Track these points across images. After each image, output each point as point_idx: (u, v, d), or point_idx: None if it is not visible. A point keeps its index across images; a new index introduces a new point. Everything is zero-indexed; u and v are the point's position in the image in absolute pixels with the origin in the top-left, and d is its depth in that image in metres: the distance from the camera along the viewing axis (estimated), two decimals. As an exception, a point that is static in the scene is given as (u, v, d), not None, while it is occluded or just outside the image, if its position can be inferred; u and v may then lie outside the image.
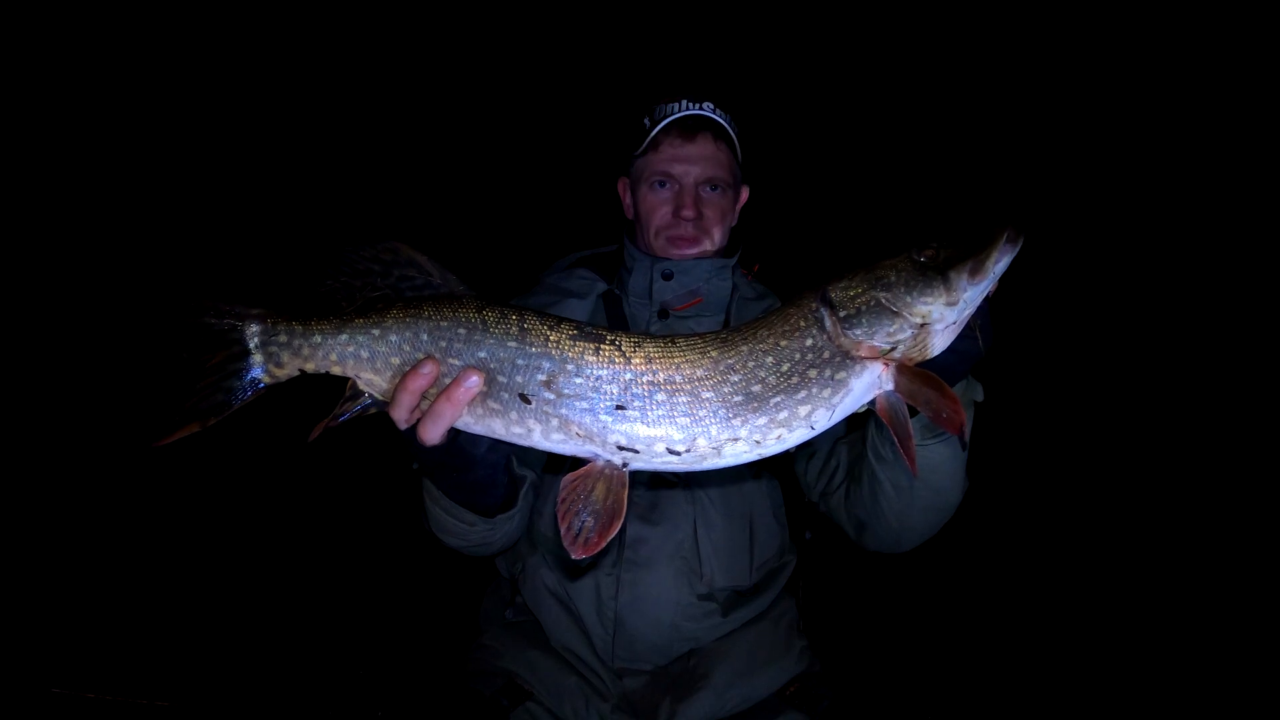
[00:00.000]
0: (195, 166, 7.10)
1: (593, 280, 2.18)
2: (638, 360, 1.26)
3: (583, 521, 1.25)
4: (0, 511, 4.85)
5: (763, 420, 1.26)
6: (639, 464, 1.28)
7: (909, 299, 1.23)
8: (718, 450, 1.26)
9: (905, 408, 1.26)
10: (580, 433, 1.27)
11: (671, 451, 1.26)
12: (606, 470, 1.28)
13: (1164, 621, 4.41)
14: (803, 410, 1.26)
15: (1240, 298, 6.59)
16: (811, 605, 2.29)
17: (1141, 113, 6.86)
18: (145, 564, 4.59)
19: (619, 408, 1.25)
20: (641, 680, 1.99)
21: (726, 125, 2.12)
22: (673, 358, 1.26)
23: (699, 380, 1.25)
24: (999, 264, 1.23)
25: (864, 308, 1.24)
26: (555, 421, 1.27)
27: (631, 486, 1.89)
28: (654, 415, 1.25)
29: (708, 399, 1.25)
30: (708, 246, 2.14)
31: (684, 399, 1.25)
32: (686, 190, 2.11)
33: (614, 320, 2.12)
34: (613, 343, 1.27)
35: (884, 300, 1.24)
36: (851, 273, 1.29)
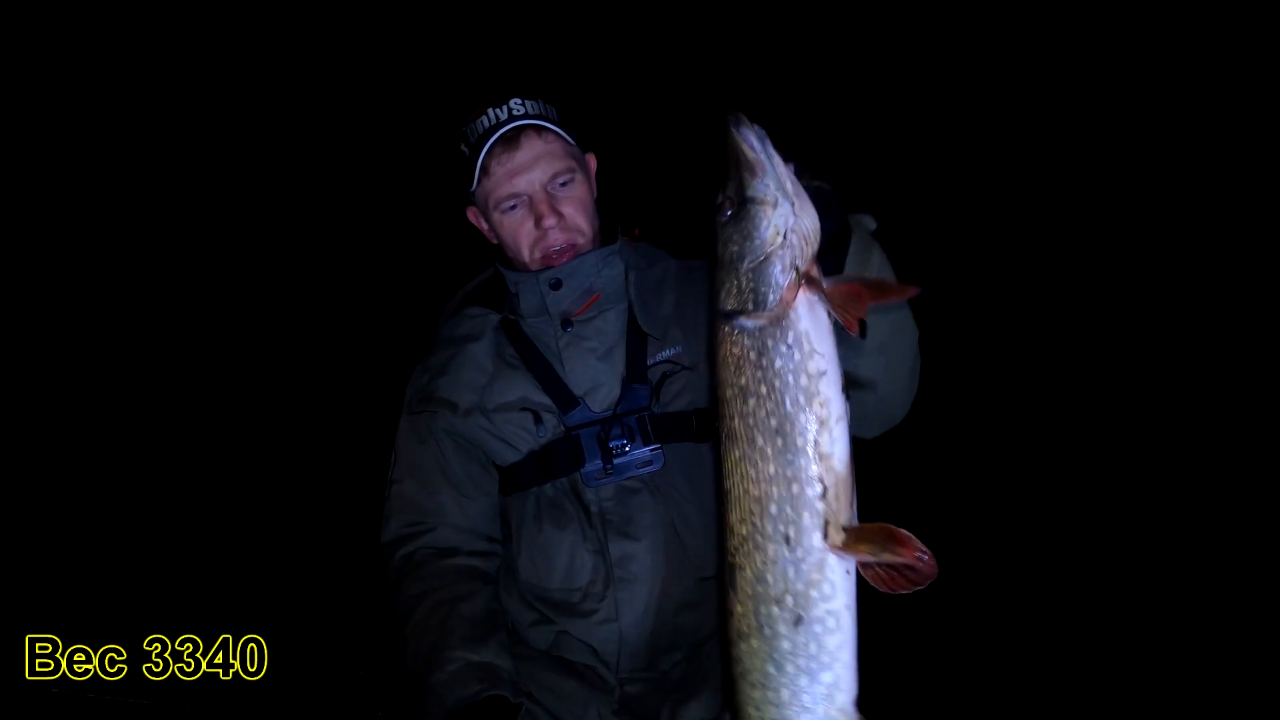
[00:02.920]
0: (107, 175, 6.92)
1: (484, 314, 2.10)
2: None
3: None
4: (0, 511, 4.85)
5: (805, 446, 1.22)
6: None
7: (759, 241, 1.23)
8: (816, 524, 1.25)
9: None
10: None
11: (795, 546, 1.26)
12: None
13: (1163, 622, 4.41)
14: (817, 403, 1.21)
15: (1239, 297, 6.60)
16: (811, 606, 2.28)
17: (1124, 107, 6.84)
18: (145, 564, 4.59)
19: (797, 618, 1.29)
20: (641, 685, 1.99)
21: (542, 112, 1.97)
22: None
23: (760, 495, 1.23)
24: (752, 146, 1.23)
25: (749, 283, 1.24)
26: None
27: (604, 504, 1.90)
28: (772, 561, 1.27)
29: (775, 495, 1.23)
30: (581, 241, 2.03)
31: (769, 520, 1.24)
32: (537, 199, 1.98)
33: (519, 344, 2.03)
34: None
35: (752, 266, 1.24)
36: (716, 281, 1.30)
